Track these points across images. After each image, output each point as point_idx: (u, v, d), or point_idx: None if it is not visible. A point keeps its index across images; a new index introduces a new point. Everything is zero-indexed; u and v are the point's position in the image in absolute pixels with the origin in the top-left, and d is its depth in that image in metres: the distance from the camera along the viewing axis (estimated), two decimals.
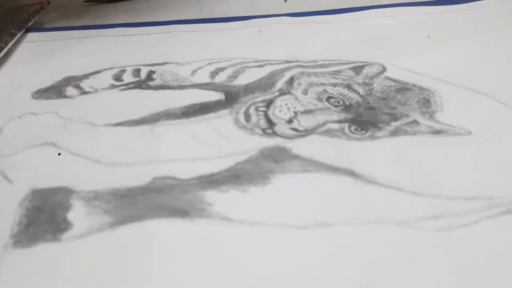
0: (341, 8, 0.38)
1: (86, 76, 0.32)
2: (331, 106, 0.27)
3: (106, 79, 0.32)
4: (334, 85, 0.29)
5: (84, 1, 0.45)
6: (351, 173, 0.22)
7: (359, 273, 0.18)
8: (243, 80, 0.30)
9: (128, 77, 0.32)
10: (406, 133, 0.25)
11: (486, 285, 0.18)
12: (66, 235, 0.21)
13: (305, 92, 0.28)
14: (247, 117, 0.27)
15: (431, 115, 0.26)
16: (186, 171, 0.23)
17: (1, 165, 0.25)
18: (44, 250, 0.20)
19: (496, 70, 0.29)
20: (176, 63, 0.33)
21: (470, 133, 0.24)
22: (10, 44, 0.35)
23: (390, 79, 0.29)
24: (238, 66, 0.32)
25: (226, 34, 0.36)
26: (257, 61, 0.32)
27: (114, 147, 0.25)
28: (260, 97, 0.28)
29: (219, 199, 0.22)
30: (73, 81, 0.32)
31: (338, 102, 0.27)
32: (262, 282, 0.18)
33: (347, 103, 0.27)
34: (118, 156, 0.25)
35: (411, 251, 0.19)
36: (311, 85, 0.29)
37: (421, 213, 0.20)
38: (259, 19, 0.38)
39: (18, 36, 0.37)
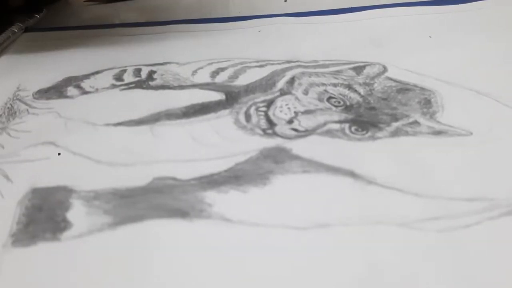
0: (341, 8, 0.38)
1: (87, 76, 0.32)
2: (332, 106, 0.27)
3: (106, 79, 0.32)
4: (335, 85, 0.29)
5: (84, 1, 0.45)
6: (352, 174, 0.22)
7: (359, 274, 0.18)
8: (243, 80, 0.30)
9: (128, 77, 0.32)
10: (407, 133, 0.25)
11: (487, 286, 0.17)
12: (66, 234, 0.21)
13: (305, 92, 0.28)
14: (248, 117, 0.27)
15: (432, 116, 0.26)
16: (186, 171, 0.23)
17: (1, 164, 0.25)
18: (43, 249, 0.20)
19: (497, 71, 0.29)
20: (177, 63, 0.33)
21: (471, 133, 0.24)
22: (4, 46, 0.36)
23: (391, 79, 0.29)
24: (239, 66, 0.32)
25: (227, 34, 0.36)
26: (257, 61, 0.32)
27: (114, 147, 0.25)
28: (260, 97, 0.28)
29: (219, 200, 0.22)
30: (74, 81, 0.32)
31: (339, 102, 0.27)
32: (261, 283, 0.18)
33: (348, 103, 0.27)
34: (118, 156, 0.25)
35: (412, 252, 0.19)
36: (311, 85, 0.29)
37: (422, 214, 0.20)
38: (259, 19, 0.38)
39: (14, 38, 0.37)
